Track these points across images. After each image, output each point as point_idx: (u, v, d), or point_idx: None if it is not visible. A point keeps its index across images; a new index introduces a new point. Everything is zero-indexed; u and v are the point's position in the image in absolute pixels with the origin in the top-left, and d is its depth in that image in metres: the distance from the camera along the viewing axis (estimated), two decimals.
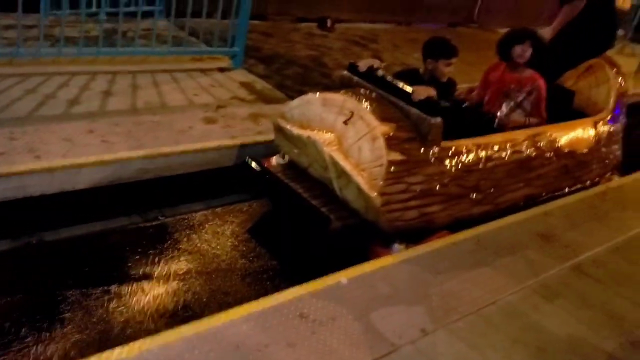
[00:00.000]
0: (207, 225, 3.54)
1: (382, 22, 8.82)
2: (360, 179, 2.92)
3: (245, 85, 5.00)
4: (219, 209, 3.74)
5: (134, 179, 3.47)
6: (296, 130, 3.27)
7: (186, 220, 3.54)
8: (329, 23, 7.63)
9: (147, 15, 5.19)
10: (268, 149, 3.74)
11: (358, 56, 6.54)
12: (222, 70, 5.24)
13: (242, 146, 3.91)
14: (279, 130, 3.44)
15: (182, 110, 4.22)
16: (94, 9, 5.19)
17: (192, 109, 4.29)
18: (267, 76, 5.32)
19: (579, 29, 4.47)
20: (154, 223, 3.45)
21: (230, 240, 3.44)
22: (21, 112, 3.68)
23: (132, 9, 5.15)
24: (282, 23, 7.22)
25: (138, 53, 4.91)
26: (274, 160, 3.55)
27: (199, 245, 3.32)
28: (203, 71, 5.12)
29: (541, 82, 3.74)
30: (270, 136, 3.67)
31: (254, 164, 3.47)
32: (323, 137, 3.13)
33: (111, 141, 3.53)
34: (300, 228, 3.37)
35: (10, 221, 3.06)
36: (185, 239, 3.35)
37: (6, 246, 3.00)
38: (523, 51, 3.67)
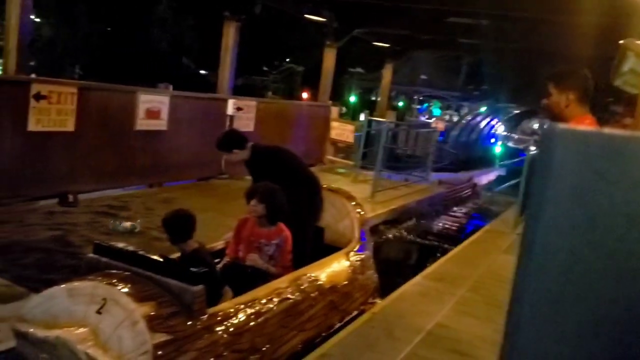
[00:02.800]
0: None
1: (130, 186, 8.64)
2: None
3: None
4: None
5: None
6: (41, 333, 2.83)
7: None
8: (70, 198, 7.17)
9: None
10: None
11: (112, 228, 6.20)
12: None
13: None
14: (20, 335, 2.95)
15: None
16: None
17: None
18: (3, 271, 4.65)
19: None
20: None
21: None
22: None
23: None
24: (14, 207, 6.54)
25: None
26: None
27: None
28: None
29: (287, 234, 3.90)
30: (10, 345, 3.12)
31: None
32: (75, 334, 2.76)
33: None
34: None
35: None
36: None
37: None
38: (254, 207, 3.84)
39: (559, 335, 0.82)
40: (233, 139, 4.55)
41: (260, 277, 3.69)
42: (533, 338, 0.83)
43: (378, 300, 4.76)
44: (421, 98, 36.35)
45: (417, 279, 5.61)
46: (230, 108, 10.49)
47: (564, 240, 0.80)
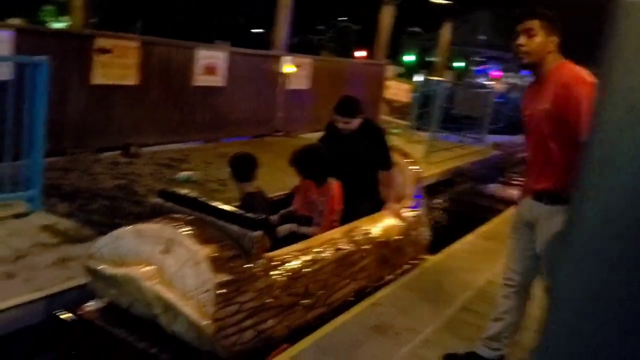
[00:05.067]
0: None
1: (189, 141, 8.90)
2: (188, 309, 2.76)
3: (47, 228, 4.57)
4: None
5: None
6: (110, 270, 3.03)
7: None
8: (133, 150, 7.46)
9: None
10: (82, 295, 3.40)
11: (171, 179, 6.45)
12: (18, 216, 4.75)
13: (50, 297, 3.51)
14: (91, 272, 3.16)
15: None
16: None
17: None
18: (72, 214, 4.94)
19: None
20: None
21: None
22: None
23: None
24: (82, 156, 6.87)
25: None
26: (89, 306, 3.22)
27: None
28: None
29: (333, 192, 3.94)
30: (83, 280, 3.35)
31: (64, 315, 3.11)
32: (141, 272, 2.94)
33: None
34: None
35: None
36: None
37: None
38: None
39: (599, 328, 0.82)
40: (358, 105, 4.28)
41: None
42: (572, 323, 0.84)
43: (429, 256, 4.81)
44: (480, 59, 35.30)
45: (469, 237, 5.62)
46: (285, 65, 10.52)
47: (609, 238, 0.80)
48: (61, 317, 3.10)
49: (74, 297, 3.47)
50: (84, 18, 7.98)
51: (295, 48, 12.80)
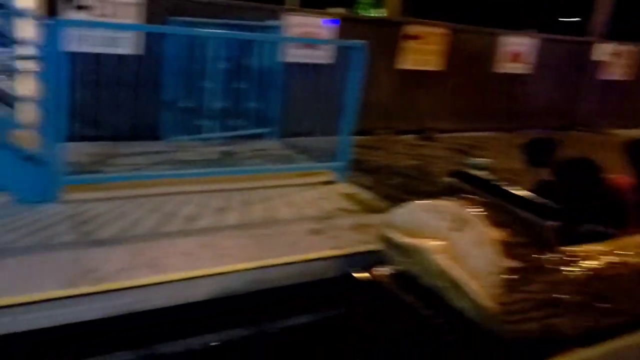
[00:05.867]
0: (315, 337, 3.50)
1: (483, 130, 8.83)
2: (474, 289, 2.79)
3: (349, 196, 5.11)
4: (324, 321, 3.69)
5: (247, 290, 3.54)
6: (402, 239, 3.23)
7: (299, 332, 3.52)
8: (430, 133, 7.75)
9: (260, 137, 5.58)
10: (374, 259, 3.70)
11: (463, 163, 6.51)
12: (327, 183, 5.42)
13: (348, 256, 3.91)
14: (385, 239, 3.41)
15: (291, 223, 4.35)
16: (210, 134, 5.68)
17: (300, 221, 4.42)
18: (372, 187, 5.42)
19: None
20: (267, 333, 3.46)
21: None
22: (145, 230, 3.96)
23: (245, 132, 5.54)
24: (385, 136, 7.44)
25: (250, 172, 5.22)
26: (381, 270, 3.49)
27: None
28: (310, 185, 5.31)
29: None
30: (376, 246, 3.65)
31: (359, 275, 3.43)
32: (432, 245, 3.07)
33: (226, 254, 3.68)
34: (411, 341, 3.22)
35: (132, 333, 3.19)
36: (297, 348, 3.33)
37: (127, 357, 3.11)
38: None
39: None
40: None
41: None
42: None
43: None
44: None
45: None
46: (600, 53, 9.57)
47: None
48: (356, 275, 3.43)
49: (367, 260, 3.79)
50: (399, 8, 8.50)
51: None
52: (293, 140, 5.40)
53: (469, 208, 3.10)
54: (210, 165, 4.96)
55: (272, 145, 5.76)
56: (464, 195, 3.33)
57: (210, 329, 3.39)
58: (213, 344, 3.33)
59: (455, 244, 2.98)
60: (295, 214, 4.58)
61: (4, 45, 4.76)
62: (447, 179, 3.65)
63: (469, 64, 8.42)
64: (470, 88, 8.56)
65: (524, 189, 3.68)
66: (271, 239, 4.01)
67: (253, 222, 4.31)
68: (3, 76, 4.42)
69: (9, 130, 4.20)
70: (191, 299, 3.37)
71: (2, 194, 4.13)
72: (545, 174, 3.52)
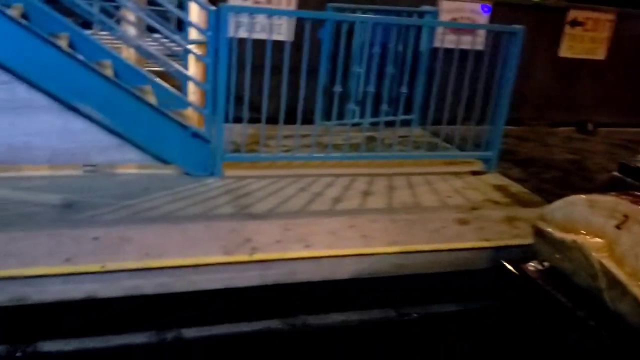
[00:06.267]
0: (458, 325, 3.47)
1: None
2: (638, 290, 2.58)
3: (499, 188, 4.93)
4: (468, 311, 3.63)
5: (389, 274, 3.59)
6: (559, 234, 3.08)
7: (438, 319, 3.51)
8: (590, 127, 7.22)
9: (404, 123, 5.57)
10: (524, 254, 3.56)
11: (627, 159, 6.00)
12: (475, 173, 5.27)
13: (496, 249, 3.80)
14: (538, 233, 3.27)
15: (435, 211, 4.31)
16: (357, 119, 5.79)
17: (445, 209, 4.36)
18: (523, 180, 5.19)
19: None
20: (407, 318, 3.48)
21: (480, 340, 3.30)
22: (295, 207, 4.16)
23: (391, 118, 5.56)
24: (538, 128, 7.06)
25: (395, 157, 5.24)
26: (532, 265, 3.35)
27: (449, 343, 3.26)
28: (456, 174, 5.21)
29: None
30: (527, 241, 3.50)
31: (510, 268, 3.32)
32: (591, 242, 2.89)
33: (370, 236, 3.76)
34: (559, 341, 3.06)
35: (278, 304, 3.39)
36: (437, 336, 3.32)
37: (275, 326, 3.31)
38: None
39: None
40: None
41: None
42: None
43: None
44: None
45: None
46: None
47: None
48: (508, 268, 3.32)
49: (516, 255, 3.66)
50: None
51: None
52: (438, 127, 5.32)
53: (635, 205, 2.87)
54: (356, 150, 5.06)
55: (416, 132, 5.73)
56: (628, 191, 3.09)
57: (352, 308, 3.50)
58: (353, 321, 3.43)
59: (618, 243, 2.78)
60: (440, 202, 4.53)
61: (173, 30, 5.22)
62: (611, 173, 3.41)
63: (635, 53, 7.69)
64: (636, 79, 7.82)
65: None
66: (415, 224, 4.01)
67: (397, 207, 4.34)
68: (172, 59, 4.86)
69: (179, 109, 4.61)
70: (336, 277, 3.49)
71: (173, 166, 4.56)
72: None
